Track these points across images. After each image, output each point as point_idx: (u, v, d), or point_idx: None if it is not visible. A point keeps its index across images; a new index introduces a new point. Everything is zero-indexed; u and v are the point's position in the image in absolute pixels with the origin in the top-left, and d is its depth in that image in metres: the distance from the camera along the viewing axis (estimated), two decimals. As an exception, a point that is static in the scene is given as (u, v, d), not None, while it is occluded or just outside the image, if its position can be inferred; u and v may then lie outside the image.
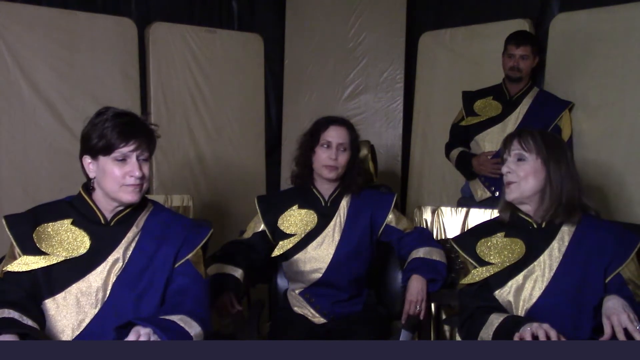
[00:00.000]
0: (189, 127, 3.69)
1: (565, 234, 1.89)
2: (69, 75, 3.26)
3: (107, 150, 1.69)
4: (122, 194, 1.71)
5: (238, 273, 2.21)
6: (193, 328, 1.64)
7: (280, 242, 2.30)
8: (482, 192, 3.05)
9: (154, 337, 1.53)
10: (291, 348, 1.48)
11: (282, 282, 2.47)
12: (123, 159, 1.70)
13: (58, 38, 3.22)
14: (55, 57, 3.21)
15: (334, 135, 2.27)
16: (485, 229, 2.02)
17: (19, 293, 1.66)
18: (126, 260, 1.73)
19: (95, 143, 1.69)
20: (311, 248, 2.29)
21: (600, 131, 3.04)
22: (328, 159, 2.26)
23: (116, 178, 1.69)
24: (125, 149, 1.69)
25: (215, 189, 3.74)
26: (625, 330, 1.64)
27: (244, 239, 2.36)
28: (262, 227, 2.34)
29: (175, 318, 1.63)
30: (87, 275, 1.70)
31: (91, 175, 1.74)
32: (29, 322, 1.60)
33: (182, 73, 3.66)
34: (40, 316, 1.67)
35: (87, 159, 1.74)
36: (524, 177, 1.86)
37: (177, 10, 3.77)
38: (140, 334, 1.52)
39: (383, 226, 2.34)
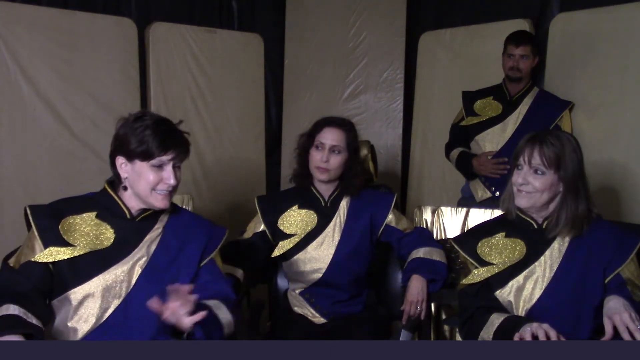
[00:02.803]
0: (189, 127, 3.66)
1: (566, 234, 1.89)
2: (69, 75, 3.24)
3: (146, 156, 1.74)
4: (152, 200, 1.78)
5: (238, 273, 2.21)
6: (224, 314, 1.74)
7: (280, 242, 2.30)
8: (482, 192, 3.05)
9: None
10: (291, 348, 1.48)
11: (282, 282, 2.47)
12: (160, 166, 1.76)
13: (58, 38, 3.21)
14: (55, 57, 3.20)
15: (327, 137, 2.27)
16: (485, 229, 2.02)
17: (26, 287, 1.68)
18: (150, 255, 1.79)
19: (134, 147, 1.74)
20: (311, 248, 2.29)
21: (600, 131, 3.04)
22: (319, 160, 2.27)
23: (150, 183, 1.76)
24: (164, 157, 1.75)
25: (215, 189, 3.74)
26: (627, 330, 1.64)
27: (244, 239, 2.36)
28: (262, 227, 2.34)
29: (210, 302, 1.73)
30: (112, 267, 1.75)
31: (123, 175, 1.78)
32: (33, 320, 1.61)
33: (182, 73, 3.65)
34: (46, 313, 1.69)
35: (120, 159, 1.78)
36: (540, 190, 1.84)
37: (177, 10, 3.76)
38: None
39: (383, 226, 2.34)
